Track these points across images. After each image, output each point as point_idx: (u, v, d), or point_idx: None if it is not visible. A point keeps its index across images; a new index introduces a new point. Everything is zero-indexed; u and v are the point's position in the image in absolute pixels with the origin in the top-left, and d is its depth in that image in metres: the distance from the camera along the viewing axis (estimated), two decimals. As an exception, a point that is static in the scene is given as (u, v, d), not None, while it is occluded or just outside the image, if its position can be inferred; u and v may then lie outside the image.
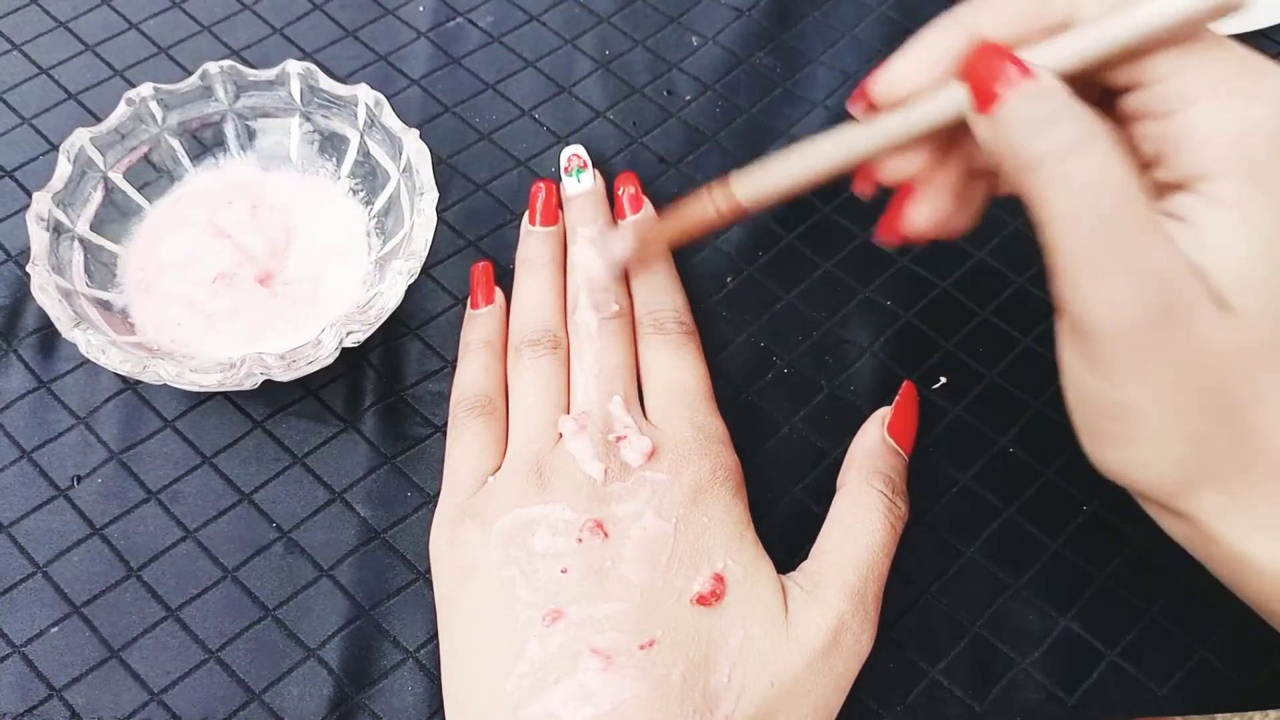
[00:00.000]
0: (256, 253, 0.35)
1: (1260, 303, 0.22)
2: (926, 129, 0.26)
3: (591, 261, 0.35)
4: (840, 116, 0.41)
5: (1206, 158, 0.22)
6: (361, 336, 0.33)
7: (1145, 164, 0.24)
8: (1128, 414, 0.23)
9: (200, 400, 0.35)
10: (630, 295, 0.35)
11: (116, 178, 0.35)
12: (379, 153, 0.36)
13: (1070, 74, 0.24)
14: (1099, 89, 0.25)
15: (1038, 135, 0.23)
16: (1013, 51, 0.24)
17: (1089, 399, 0.24)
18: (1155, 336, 0.22)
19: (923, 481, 0.33)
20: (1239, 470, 0.23)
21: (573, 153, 0.39)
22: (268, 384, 0.33)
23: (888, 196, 0.29)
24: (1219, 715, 0.31)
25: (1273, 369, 0.22)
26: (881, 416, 0.33)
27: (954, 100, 0.25)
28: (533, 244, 0.37)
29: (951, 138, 0.27)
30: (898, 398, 0.33)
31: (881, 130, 0.27)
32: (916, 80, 0.26)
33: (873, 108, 0.27)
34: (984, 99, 0.24)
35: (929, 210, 0.28)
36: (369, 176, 0.37)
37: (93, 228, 0.34)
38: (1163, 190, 0.24)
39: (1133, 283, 0.22)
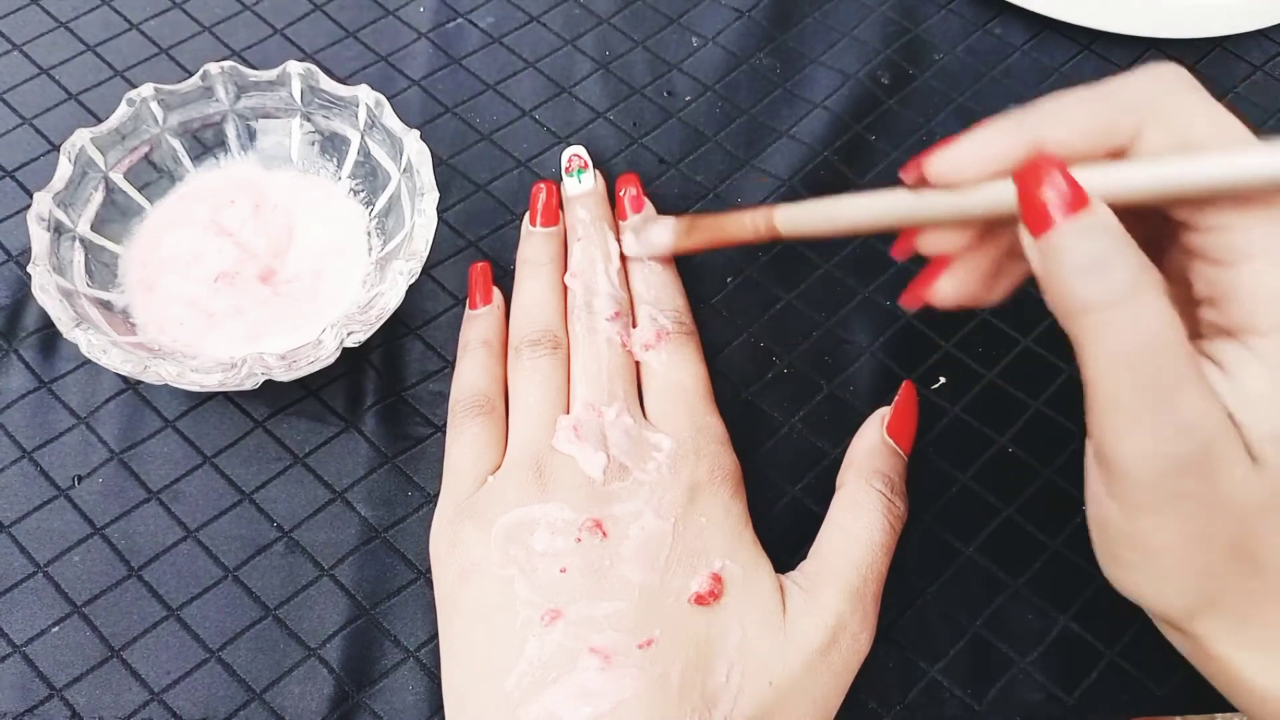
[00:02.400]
0: (259, 250, 0.35)
1: None
2: (974, 217, 0.27)
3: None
4: (840, 116, 0.41)
5: (1257, 314, 0.23)
6: (362, 337, 0.33)
7: (1196, 301, 0.24)
8: (1147, 547, 0.24)
9: (201, 400, 0.35)
10: (630, 295, 0.36)
11: (117, 178, 0.35)
12: (380, 153, 0.36)
13: (1125, 205, 0.23)
14: (1158, 215, 0.25)
15: (1087, 280, 0.22)
16: (1070, 172, 0.23)
17: (1110, 526, 0.24)
18: (1182, 485, 0.22)
19: (922, 481, 0.33)
20: (1245, 601, 0.24)
21: (574, 153, 0.39)
22: (268, 384, 0.33)
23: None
24: (1219, 715, 0.31)
25: None
26: (881, 416, 0.33)
27: (1006, 198, 0.25)
28: (533, 244, 0.37)
29: (997, 224, 0.27)
30: (897, 398, 0.34)
31: (930, 204, 0.27)
32: (972, 171, 0.26)
33: (923, 182, 0.27)
34: (1036, 222, 0.23)
35: (957, 285, 0.28)
36: (370, 177, 0.37)
37: (93, 228, 0.35)
38: (1209, 330, 0.24)
39: (1166, 435, 0.22)
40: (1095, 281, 0.22)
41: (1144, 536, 0.23)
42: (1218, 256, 0.23)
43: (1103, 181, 0.24)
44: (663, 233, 0.35)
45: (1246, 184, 0.22)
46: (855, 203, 0.29)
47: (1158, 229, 0.25)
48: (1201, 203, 0.23)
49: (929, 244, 0.28)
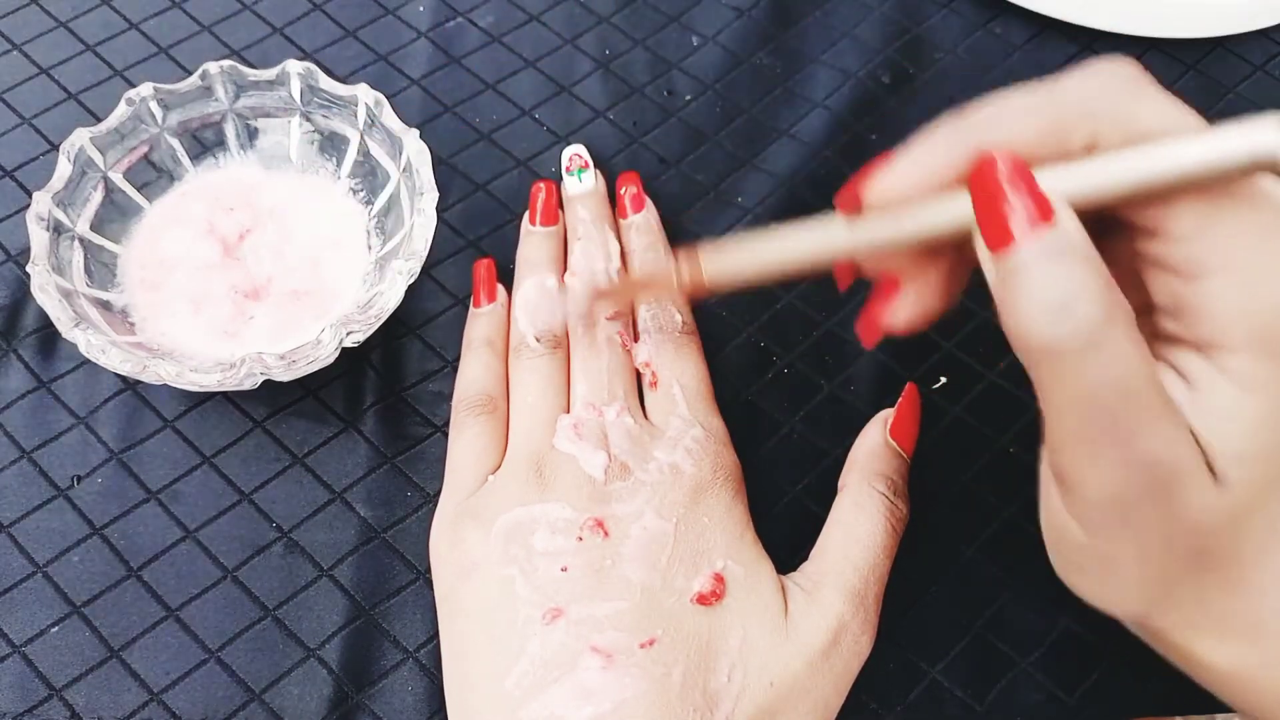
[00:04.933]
0: (258, 251, 0.35)
1: (1252, 476, 0.21)
2: (921, 240, 0.24)
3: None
4: (840, 116, 0.41)
5: (1224, 331, 0.21)
6: (361, 336, 0.33)
7: (1154, 306, 0.23)
8: (1104, 559, 0.23)
9: (200, 400, 0.35)
10: (630, 295, 0.36)
11: (116, 178, 0.35)
12: (379, 152, 0.36)
13: (1086, 207, 0.21)
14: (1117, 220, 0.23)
15: (1052, 319, 0.20)
16: (1030, 172, 0.21)
17: (1067, 537, 0.23)
18: (1143, 511, 0.21)
19: (923, 481, 0.33)
20: (1198, 596, 0.23)
21: (574, 152, 0.39)
22: (268, 384, 0.33)
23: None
24: (1219, 715, 0.31)
25: (1252, 535, 0.22)
26: (884, 418, 0.33)
27: (956, 215, 0.23)
28: (533, 244, 0.37)
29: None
30: (900, 400, 0.33)
31: (870, 234, 0.24)
32: (914, 188, 0.23)
33: (859, 208, 0.24)
34: (995, 236, 0.21)
35: (912, 309, 0.26)
36: (369, 176, 0.37)
37: (93, 227, 0.34)
38: (1170, 338, 0.23)
39: (1126, 467, 0.21)
40: (1061, 321, 0.20)
41: (1102, 550, 0.23)
42: (1181, 268, 0.22)
43: (1062, 181, 0.21)
44: (576, 296, 0.32)
45: (1218, 166, 0.21)
46: (788, 241, 0.26)
47: (1107, 226, 0.23)
48: (1163, 207, 0.22)
49: (874, 269, 0.26)
